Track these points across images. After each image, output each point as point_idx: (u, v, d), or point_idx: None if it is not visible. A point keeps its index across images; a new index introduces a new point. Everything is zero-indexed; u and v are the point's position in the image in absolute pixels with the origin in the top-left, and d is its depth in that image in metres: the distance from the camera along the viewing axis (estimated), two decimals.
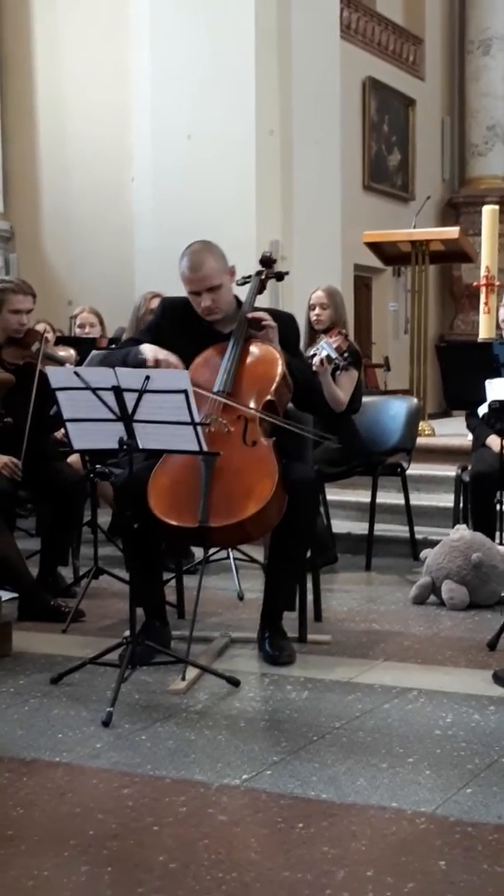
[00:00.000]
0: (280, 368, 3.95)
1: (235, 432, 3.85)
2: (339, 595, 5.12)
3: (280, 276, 4.35)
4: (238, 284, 4.23)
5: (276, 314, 4.17)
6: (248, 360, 4.00)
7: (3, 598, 4.36)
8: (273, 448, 3.83)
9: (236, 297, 4.16)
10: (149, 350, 3.96)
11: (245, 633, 4.23)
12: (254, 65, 8.89)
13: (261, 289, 4.26)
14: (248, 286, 4.25)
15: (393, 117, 13.73)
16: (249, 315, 4.00)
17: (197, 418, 3.50)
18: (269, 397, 3.91)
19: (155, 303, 5.81)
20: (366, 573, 5.65)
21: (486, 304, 7.69)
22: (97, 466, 5.21)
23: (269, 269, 4.32)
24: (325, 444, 5.49)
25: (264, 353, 4.00)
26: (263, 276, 4.29)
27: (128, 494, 3.84)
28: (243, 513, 3.70)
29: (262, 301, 4.33)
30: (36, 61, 9.73)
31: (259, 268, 4.31)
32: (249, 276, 4.27)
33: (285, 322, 4.17)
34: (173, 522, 3.73)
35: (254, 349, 4.01)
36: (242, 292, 4.23)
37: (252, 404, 3.90)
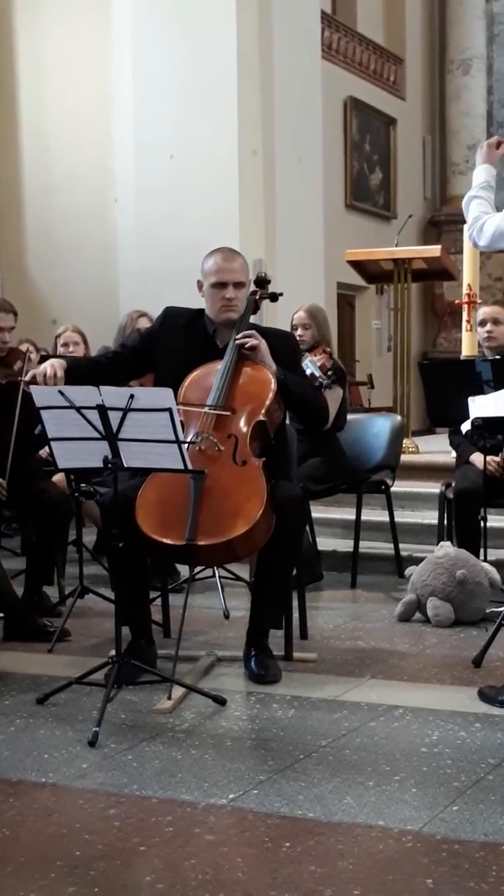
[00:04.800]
0: (272, 389, 3.96)
1: (226, 451, 3.86)
2: (325, 613, 5.12)
3: (274, 297, 4.36)
4: None
5: (272, 333, 4.19)
6: (241, 379, 4.01)
7: None
8: (263, 468, 3.84)
9: None
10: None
11: (231, 651, 4.23)
12: (236, 85, 8.94)
13: (255, 309, 4.28)
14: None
15: (374, 136, 13.82)
16: (237, 341, 4.01)
17: (182, 437, 3.51)
18: (260, 418, 3.92)
19: (142, 322, 5.82)
20: (351, 591, 5.65)
21: (468, 321, 7.72)
22: (82, 485, 5.20)
23: (264, 290, 4.34)
24: (309, 461, 5.52)
25: (257, 373, 4.01)
26: (258, 297, 4.31)
27: (114, 513, 3.84)
28: (231, 532, 3.70)
29: (253, 319, 4.33)
30: (19, 82, 9.76)
31: (253, 288, 4.33)
32: None
33: (282, 340, 4.22)
34: (161, 540, 3.73)
35: (247, 369, 4.02)
36: None
37: (242, 424, 3.91)
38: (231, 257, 4.11)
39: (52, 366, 3.94)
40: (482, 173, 4.41)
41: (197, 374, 4.06)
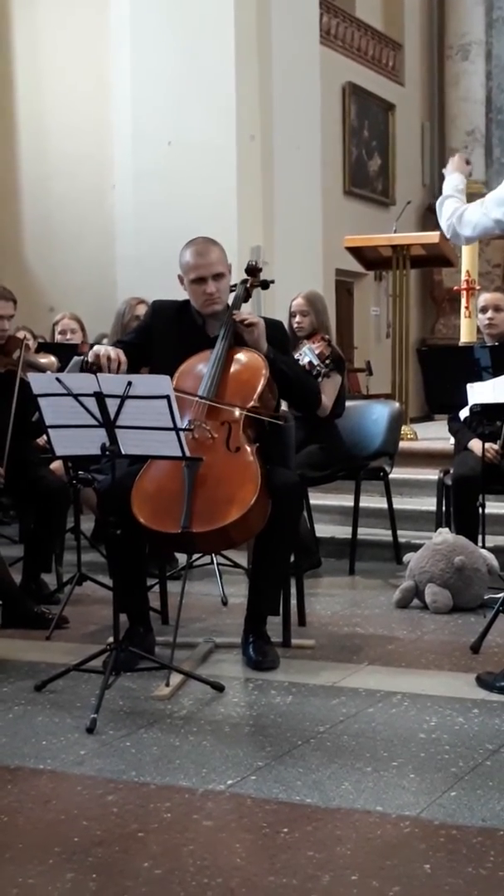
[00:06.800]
0: (264, 375, 3.95)
1: (219, 438, 3.86)
2: (323, 599, 5.12)
3: (265, 285, 4.35)
4: None
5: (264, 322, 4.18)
6: (233, 366, 4.00)
7: None
8: (257, 454, 3.84)
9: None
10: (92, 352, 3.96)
11: (229, 638, 4.23)
12: (234, 70, 8.92)
13: (246, 297, 4.27)
14: (233, 294, 4.25)
15: (373, 122, 13.78)
16: (235, 315, 4.01)
17: (179, 424, 3.50)
18: (252, 403, 3.92)
19: (140, 309, 5.80)
20: (349, 577, 5.65)
21: (466, 307, 7.72)
22: (80, 473, 5.19)
23: (255, 278, 4.33)
24: (307, 448, 5.52)
25: (249, 359, 4.01)
26: (249, 285, 4.30)
27: (111, 500, 3.84)
28: (226, 518, 3.70)
29: (245, 307, 4.33)
30: (16, 68, 9.73)
31: (244, 276, 4.32)
32: (234, 285, 4.28)
33: (273, 328, 4.20)
34: (156, 528, 3.73)
35: (238, 356, 4.02)
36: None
37: (235, 411, 3.90)
38: (205, 250, 4.05)
39: (116, 352, 3.88)
40: (455, 180, 4.59)
41: (189, 363, 4.05)
